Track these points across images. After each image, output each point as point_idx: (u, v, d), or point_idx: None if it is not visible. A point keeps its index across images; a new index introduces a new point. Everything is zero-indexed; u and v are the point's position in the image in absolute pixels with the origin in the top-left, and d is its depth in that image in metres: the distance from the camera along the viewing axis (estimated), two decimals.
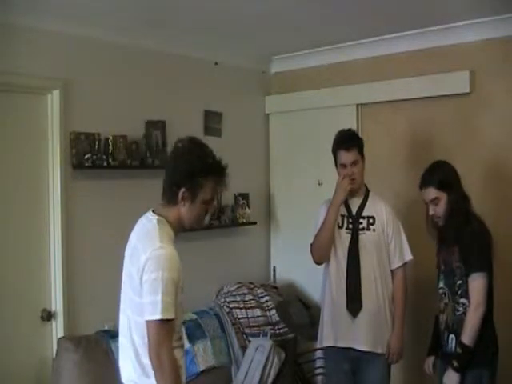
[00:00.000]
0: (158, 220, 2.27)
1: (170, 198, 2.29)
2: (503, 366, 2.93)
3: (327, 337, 3.32)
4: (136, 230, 2.35)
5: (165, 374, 2.13)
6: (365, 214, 3.29)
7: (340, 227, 3.29)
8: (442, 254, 3.03)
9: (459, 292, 2.88)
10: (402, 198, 3.84)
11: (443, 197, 2.94)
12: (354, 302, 3.21)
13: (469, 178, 3.12)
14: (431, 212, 2.99)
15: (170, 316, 2.14)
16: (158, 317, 2.11)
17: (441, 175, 2.97)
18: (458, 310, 2.89)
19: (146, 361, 2.19)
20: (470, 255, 2.84)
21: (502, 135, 3.61)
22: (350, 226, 3.28)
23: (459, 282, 2.88)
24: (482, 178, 3.62)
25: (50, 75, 3.37)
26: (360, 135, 3.55)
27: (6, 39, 3.15)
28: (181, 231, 2.37)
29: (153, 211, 2.34)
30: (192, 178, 2.24)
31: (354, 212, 3.30)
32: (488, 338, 2.85)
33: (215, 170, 2.29)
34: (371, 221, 3.27)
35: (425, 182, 2.99)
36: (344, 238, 3.28)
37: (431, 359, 3.13)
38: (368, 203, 3.31)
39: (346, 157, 3.23)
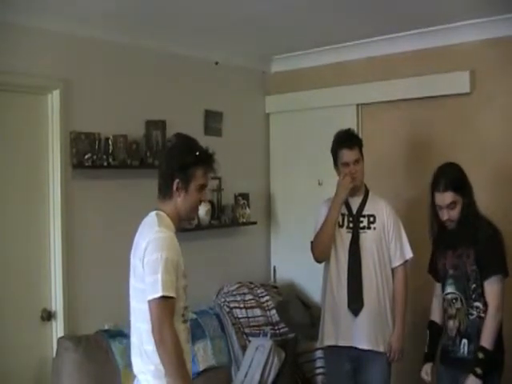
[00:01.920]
0: (156, 213, 2.38)
1: (165, 192, 2.40)
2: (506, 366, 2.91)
3: (328, 336, 3.32)
4: (139, 230, 2.43)
5: (167, 348, 2.19)
6: (365, 212, 3.29)
7: (341, 226, 3.29)
8: (447, 258, 2.93)
9: (473, 296, 2.82)
10: (402, 198, 3.84)
11: (459, 200, 2.84)
12: (355, 301, 3.21)
13: (469, 178, 3.11)
14: (446, 217, 2.86)
15: (170, 293, 2.21)
16: (159, 294, 2.18)
17: (457, 178, 2.86)
18: (471, 314, 2.83)
19: (148, 347, 2.25)
20: (486, 258, 2.78)
21: (503, 135, 3.61)
22: (351, 224, 3.29)
23: (473, 285, 2.82)
24: (482, 178, 3.60)
25: (51, 75, 3.37)
26: (360, 135, 3.56)
27: (6, 39, 3.16)
28: (180, 228, 2.46)
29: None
30: (184, 169, 2.36)
31: (354, 211, 3.30)
32: (498, 339, 2.81)
33: (204, 160, 2.41)
34: (372, 219, 3.28)
35: (441, 186, 2.83)
36: (345, 237, 3.28)
37: (429, 366, 3.07)
38: (368, 202, 3.31)
39: (349, 155, 3.24)
